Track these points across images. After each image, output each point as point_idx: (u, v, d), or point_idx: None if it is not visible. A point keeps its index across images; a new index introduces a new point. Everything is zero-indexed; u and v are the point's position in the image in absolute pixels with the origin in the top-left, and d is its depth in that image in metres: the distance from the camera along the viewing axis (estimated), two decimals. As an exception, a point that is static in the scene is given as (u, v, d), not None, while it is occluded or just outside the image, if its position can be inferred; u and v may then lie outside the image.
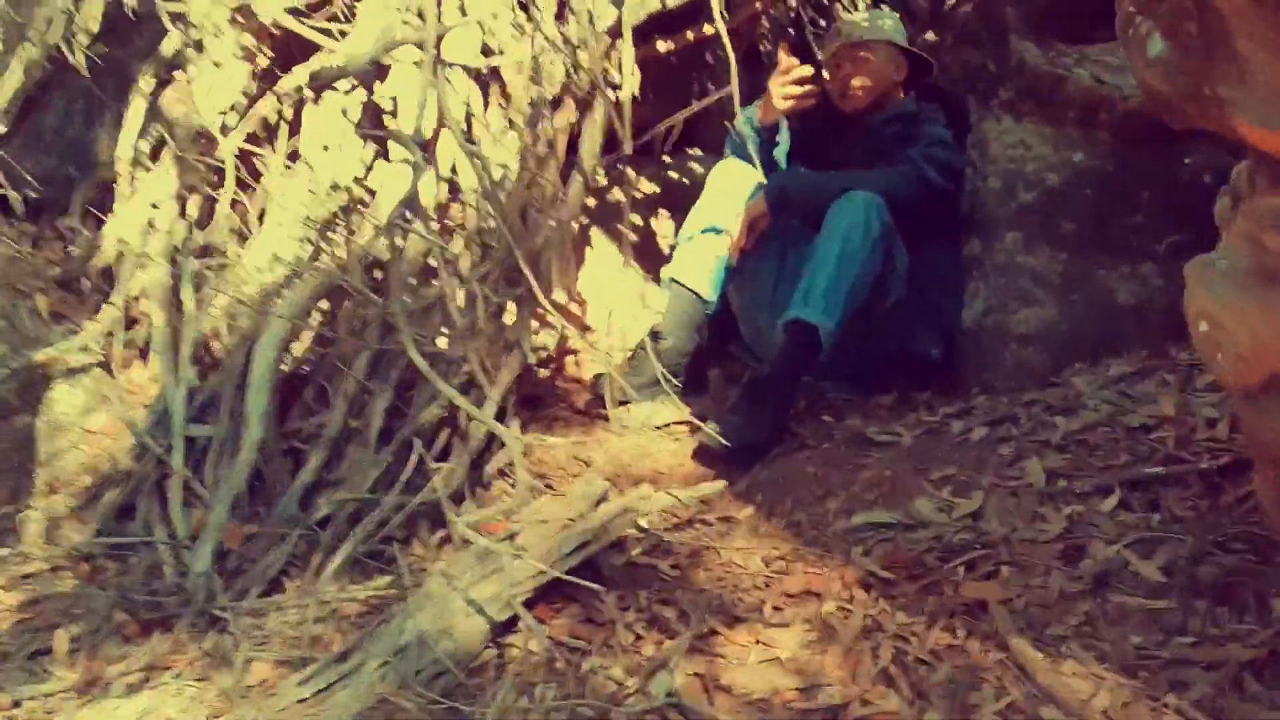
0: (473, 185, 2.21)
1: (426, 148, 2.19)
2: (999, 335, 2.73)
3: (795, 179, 2.78)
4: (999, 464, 2.14)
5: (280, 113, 2.64)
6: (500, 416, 2.22)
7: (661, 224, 3.61)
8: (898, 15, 3.10)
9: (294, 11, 2.59)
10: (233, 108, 2.71)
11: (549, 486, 2.24)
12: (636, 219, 3.53)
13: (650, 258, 3.50)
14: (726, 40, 2.25)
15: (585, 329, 3.14)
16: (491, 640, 1.67)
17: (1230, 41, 0.99)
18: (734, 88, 2.21)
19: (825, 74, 3.00)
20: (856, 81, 2.90)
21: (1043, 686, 1.49)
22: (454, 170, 2.35)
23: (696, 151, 3.69)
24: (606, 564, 1.85)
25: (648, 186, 3.60)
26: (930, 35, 3.42)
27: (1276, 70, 0.97)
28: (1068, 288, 2.73)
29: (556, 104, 2.34)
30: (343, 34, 2.48)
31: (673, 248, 2.92)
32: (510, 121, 2.26)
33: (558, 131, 2.30)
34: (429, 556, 2.00)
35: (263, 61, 2.68)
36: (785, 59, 2.73)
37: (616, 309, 3.24)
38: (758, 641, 1.67)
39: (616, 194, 3.45)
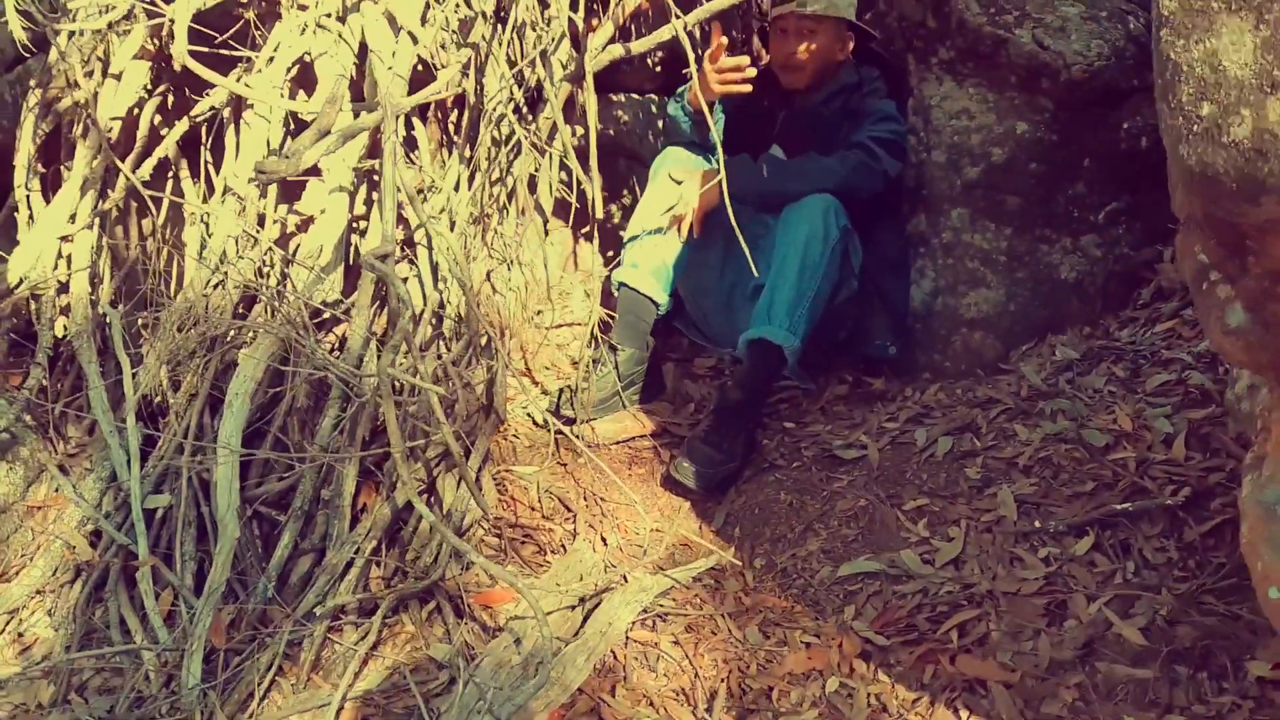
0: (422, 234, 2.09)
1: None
2: (949, 319, 2.77)
3: (754, 174, 2.65)
4: (969, 491, 2.21)
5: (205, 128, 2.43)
6: (477, 477, 2.18)
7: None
8: None
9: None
10: (133, 112, 2.49)
11: (527, 536, 2.22)
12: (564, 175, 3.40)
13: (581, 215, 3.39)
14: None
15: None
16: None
17: (1313, 323, 0.99)
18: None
19: (765, 40, 2.88)
20: (803, 54, 2.78)
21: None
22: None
23: (621, 98, 3.54)
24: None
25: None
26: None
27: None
28: (1013, 266, 2.76)
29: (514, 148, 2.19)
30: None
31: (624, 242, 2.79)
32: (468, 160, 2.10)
33: (517, 180, 2.16)
34: (420, 634, 1.98)
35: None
36: (716, 39, 2.56)
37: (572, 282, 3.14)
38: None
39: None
